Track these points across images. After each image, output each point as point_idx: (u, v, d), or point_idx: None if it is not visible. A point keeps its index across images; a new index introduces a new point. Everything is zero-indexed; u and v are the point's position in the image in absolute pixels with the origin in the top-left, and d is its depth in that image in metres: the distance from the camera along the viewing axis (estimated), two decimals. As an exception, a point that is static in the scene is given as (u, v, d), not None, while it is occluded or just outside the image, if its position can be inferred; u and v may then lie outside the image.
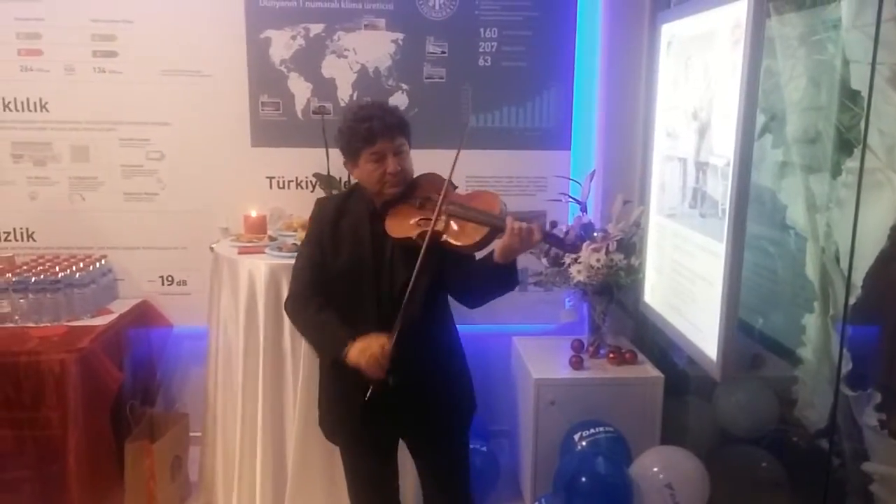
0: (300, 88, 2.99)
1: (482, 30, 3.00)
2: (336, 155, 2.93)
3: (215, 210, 2.97)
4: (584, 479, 2.26)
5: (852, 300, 1.87)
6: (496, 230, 1.68)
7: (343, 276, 1.82)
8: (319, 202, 1.94)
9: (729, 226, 1.97)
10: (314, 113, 2.98)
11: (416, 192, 1.81)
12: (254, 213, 2.84)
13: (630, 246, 2.75)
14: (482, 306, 1.83)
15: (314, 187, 3.02)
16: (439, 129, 2.97)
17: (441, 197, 1.74)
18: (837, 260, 1.95)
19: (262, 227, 2.83)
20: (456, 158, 1.76)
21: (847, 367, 1.91)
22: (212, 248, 2.69)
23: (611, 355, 2.77)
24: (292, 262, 2.39)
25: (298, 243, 2.59)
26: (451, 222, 1.73)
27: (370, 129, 1.74)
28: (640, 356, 2.82)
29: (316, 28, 2.95)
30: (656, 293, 2.67)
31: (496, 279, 1.71)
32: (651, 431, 2.64)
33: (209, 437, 2.66)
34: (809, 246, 2.07)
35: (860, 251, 1.83)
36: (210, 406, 2.63)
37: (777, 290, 2.33)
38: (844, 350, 1.90)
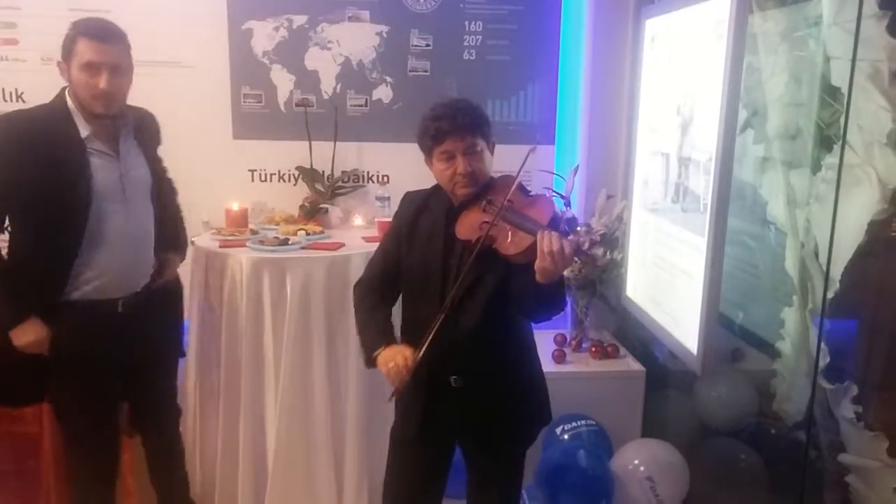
0: (283, 80, 2.97)
1: (467, 23, 2.99)
2: (318, 148, 2.97)
3: (196, 203, 2.91)
4: (565, 471, 2.28)
5: (830, 294, 1.89)
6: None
7: (413, 273, 1.81)
8: (406, 196, 1.91)
9: (710, 221, 1.98)
10: (297, 105, 2.96)
11: (487, 193, 1.77)
12: (235, 207, 2.82)
13: (613, 240, 2.77)
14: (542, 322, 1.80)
15: (297, 181, 3.01)
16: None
17: (502, 201, 1.69)
18: (816, 254, 1.97)
19: (243, 221, 2.81)
20: (524, 161, 1.73)
21: (825, 360, 1.94)
22: (192, 242, 2.66)
23: (593, 349, 2.79)
24: (274, 255, 2.42)
25: (280, 237, 2.59)
26: (505, 229, 1.67)
27: (439, 128, 1.72)
28: (622, 350, 2.84)
29: (299, 19, 2.93)
30: (638, 288, 2.69)
31: (536, 298, 1.63)
32: (632, 424, 2.67)
33: (189, 431, 2.63)
34: (789, 241, 2.09)
35: (839, 246, 1.85)
36: (190, 400, 2.61)
37: (757, 285, 2.35)
38: (822, 343, 1.92)
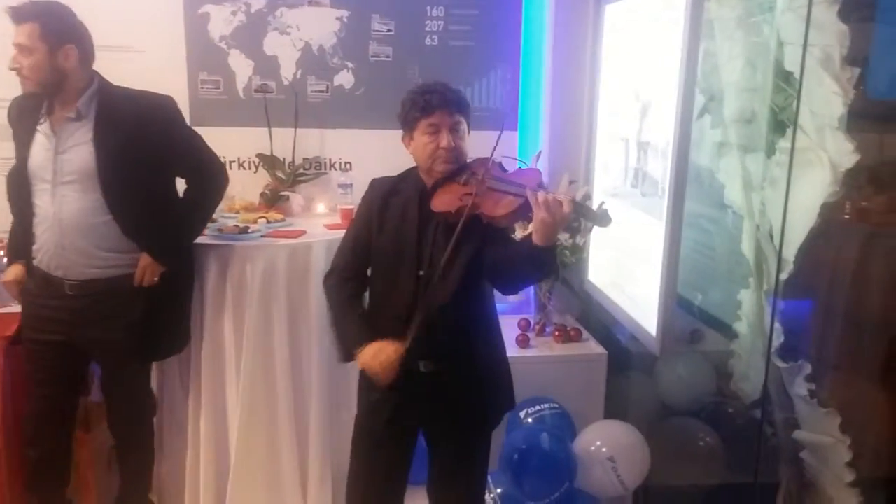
0: (241, 66, 2.92)
1: (429, 8, 2.97)
2: (278, 135, 2.93)
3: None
4: (528, 455, 2.30)
5: (785, 276, 1.94)
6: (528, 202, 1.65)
7: (385, 253, 1.82)
8: (373, 182, 1.92)
9: (668, 204, 2.01)
10: (256, 91, 2.91)
11: (464, 171, 1.80)
12: (194, 194, 2.77)
13: (575, 225, 2.79)
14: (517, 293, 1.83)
15: (257, 168, 2.96)
16: (387, 109, 2.92)
17: (483, 170, 1.73)
18: (772, 237, 2.02)
19: (202, 209, 2.76)
20: (497, 140, 1.76)
21: (779, 339, 1.98)
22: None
23: (556, 333, 2.81)
24: (233, 244, 2.38)
25: (240, 225, 2.56)
26: (489, 195, 1.71)
27: (429, 100, 1.75)
28: (585, 334, 2.87)
29: (257, 4, 2.87)
30: (600, 272, 2.72)
31: (531, 262, 1.65)
32: (595, 407, 2.70)
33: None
34: (745, 224, 2.13)
35: (793, 228, 1.89)
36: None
37: (715, 267, 2.40)
38: (776, 323, 1.97)
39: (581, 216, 1.70)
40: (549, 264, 1.67)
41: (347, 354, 1.79)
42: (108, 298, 2.15)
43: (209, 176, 2.31)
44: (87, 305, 2.13)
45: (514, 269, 1.72)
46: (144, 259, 2.17)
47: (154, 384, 2.50)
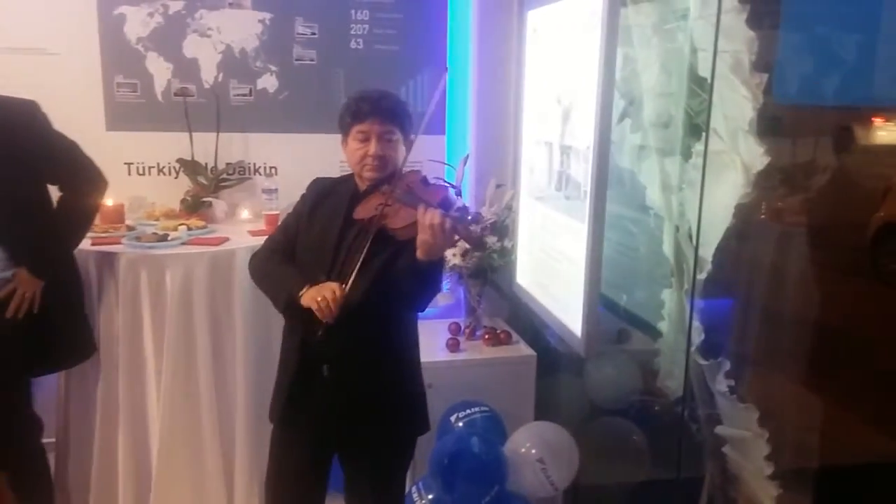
0: (159, 69, 2.83)
1: (353, 11, 2.94)
2: (200, 139, 2.85)
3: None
4: (458, 459, 2.28)
5: (703, 275, 1.99)
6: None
7: (306, 250, 1.82)
8: (314, 181, 1.93)
9: (590, 207, 2.03)
10: (176, 95, 2.83)
11: (392, 181, 1.78)
12: (110, 202, 2.66)
13: (503, 228, 2.81)
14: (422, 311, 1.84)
15: (178, 173, 2.87)
16: (312, 113, 2.90)
17: (395, 181, 1.74)
18: (691, 237, 2.06)
19: (118, 217, 2.66)
20: (408, 150, 1.80)
21: (700, 337, 2.03)
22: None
23: (486, 336, 2.82)
24: (151, 252, 2.31)
25: (159, 233, 2.47)
26: (396, 208, 1.71)
27: (360, 107, 1.77)
28: (515, 336, 2.88)
29: (175, 5, 2.80)
30: (527, 274, 2.74)
31: (415, 276, 1.66)
32: (526, 409, 2.72)
33: (62, 442, 2.47)
34: (666, 225, 2.18)
35: (709, 229, 1.94)
36: (61, 408, 2.45)
37: (638, 268, 2.44)
38: (697, 322, 2.01)
39: (467, 242, 1.77)
40: (432, 280, 1.69)
41: (289, 297, 1.73)
42: None
43: (82, 181, 2.20)
44: None
45: (405, 285, 1.70)
46: (20, 275, 2.07)
47: (62, 402, 2.40)
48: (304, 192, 1.92)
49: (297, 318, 1.75)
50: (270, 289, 1.83)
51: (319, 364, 1.78)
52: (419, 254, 1.61)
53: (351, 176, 1.88)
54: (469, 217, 2.67)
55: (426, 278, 1.67)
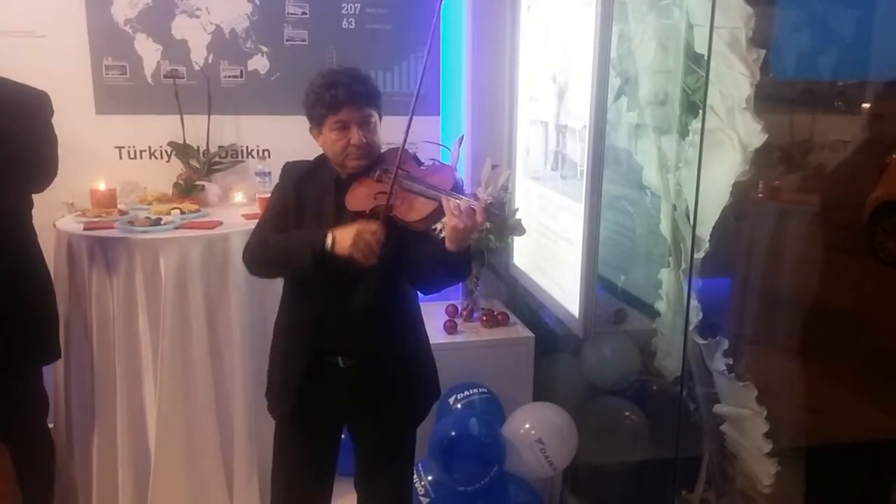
0: (149, 50, 2.78)
1: (344, -10, 2.90)
2: (191, 122, 2.81)
3: (58, 184, 2.69)
4: (458, 441, 2.29)
5: (700, 254, 1.97)
6: (442, 206, 1.58)
7: None
8: (286, 166, 1.82)
9: (586, 187, 2.01)
10: (166, 77, 2.78)
11: (379, 164, 1.72)
12: (102, 187, 2.63)
13: (500, 209, 2.78)
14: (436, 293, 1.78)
15: (170, 157, 2.84)
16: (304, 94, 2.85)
17: (395, 169, 1.64)
18: (688, 216, 2.05)
19: (111, 202, 2.62)
20: (407, 129, 1.67)
21: (697, 317, 2.03)
22: (55, 225, 2.47)
23: (483, 318, 2.81)
24: (144, 236, 2.28)
25: (152, 217, 2.45)
26: (403, 196, 1.64)
27: (335, 96, 1.65)
28: (512, 318, 2.88)
29: (163, -15, 2.75)
30: (525, 256, 2.73)
31: (444, 266, 1.61)
32: (524, 390, 2.71)
33: (61, 430, 2.47)
34: (663, 204, 2.16)
35: (706, 207, 1.92)
36: (60, 397, 2.44)
37: (636, 248, 2.43)
38: (695, 301, 2.01)
39: (494, 224, 1.65)
40: (462, 268, 1.64)
41: (317, 249, 1.60)
42: None
43: (47, 178, 2.16)
44: None
45: (429, 273, 1.68)
46: None
47: (61, 390, 2.39)
48: (279, 180, 1.83)
49: (328, 270, 1.62)
50: (286, 252, 1.69)
51: (335, 356, 1.75)
52: (449, 245, 1.54)
53: (325, 158, 1.79)
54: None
55: (458, 268, 1.62)
